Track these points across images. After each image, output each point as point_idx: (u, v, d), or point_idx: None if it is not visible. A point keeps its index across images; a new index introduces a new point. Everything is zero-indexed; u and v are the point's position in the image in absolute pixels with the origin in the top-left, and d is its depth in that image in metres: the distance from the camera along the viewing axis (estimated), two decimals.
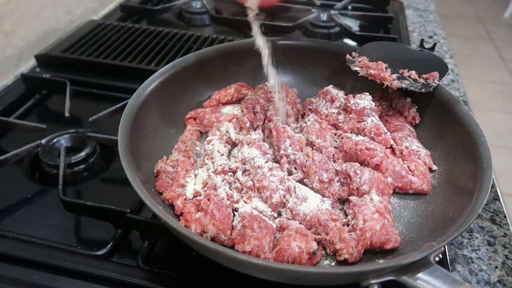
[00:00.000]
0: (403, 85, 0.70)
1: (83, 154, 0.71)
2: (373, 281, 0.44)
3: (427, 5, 1.40)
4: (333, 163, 0.65)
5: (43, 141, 0.73)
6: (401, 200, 0.64)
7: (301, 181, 0.63)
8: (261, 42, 0.71)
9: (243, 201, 0.59)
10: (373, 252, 0.55)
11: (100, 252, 0.56)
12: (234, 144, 0.69)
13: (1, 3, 0.89)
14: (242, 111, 0.73)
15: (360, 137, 0.68)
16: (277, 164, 0.63)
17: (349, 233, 0.54)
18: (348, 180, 0.62)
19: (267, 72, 0.71)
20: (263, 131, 0.72)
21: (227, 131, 0.69)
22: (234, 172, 0.63)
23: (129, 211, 0.58)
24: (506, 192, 2.11)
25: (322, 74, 0.84)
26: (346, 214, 0.60)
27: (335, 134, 0.72)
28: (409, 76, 0.72)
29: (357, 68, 0.75)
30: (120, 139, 0.56)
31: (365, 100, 0.73)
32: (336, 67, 0.82)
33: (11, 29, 0.93)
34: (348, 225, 0.57)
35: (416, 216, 0.60)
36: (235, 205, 0.58)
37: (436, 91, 0.70)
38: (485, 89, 2.90)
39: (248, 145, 0.66)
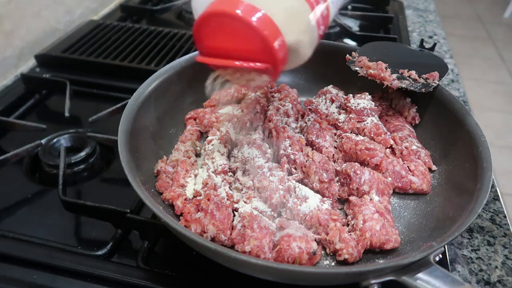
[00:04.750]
0: (403, 85, 0.70)
1: (83, 154, 0.71)
2: (373, 281, 0.44)
3: (427, 5, 1.40)
4: (333, 163, 0.65)
5: (43, 141, 0.73)
6: (401, 200, 0.64)
7: (301, 181, 0.63)
8: None
9: (243, 201, 0.59)
10: (373, 252, 0.55)
11: (100, 252, 0.56)
12: (234, 144, 0.69)
13: (1, 3, 0.89)
14: (242, 111, 0.73)
15: (360, 137, 0.68)
16: (277, 164, 0.63)
17: (349, 233, 0.54)
18: (348, 180, 0.62)
19: None
20: (263, 131, 0.72)
21: (227, 131, 0.69)
22: (234, 172, 0.63)
23: (129, 211, 0.58)
24: (506, 192, 2.11)
25: (322, 74, 0.84)
26: (346, 214, 0.60)
27: (335, 134, 0.72)
28: (409, 76, 0.72)
29: (357, 68, 0.75)
30: (120, 139, 0.56)
31: (365, 100, 0.73)
32: (336, 67, 0.82)
33: (11, 29, 0.92)
34: (348, 225, 0.57)
35: (416, 216, 0.60)
36: (235, 205, 0.58)
37: (436, 91, 0.70)
38: (485, 89, 2.90)
39: (248, 145, 0.66)
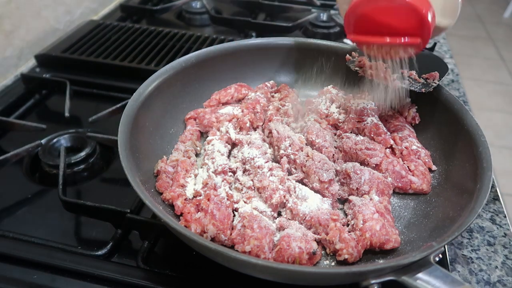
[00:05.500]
0: (403, 85, 0.70)
1: (83, 154, 0.71)
2: (373, 281, 0.44)
3: None
4: (333, 163, 0.65)
5: (43, 141, 0.73)
6: (401, 200, 0.64)
7: (301, 181, 0.63)
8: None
9: (243, 201, 0.59)
10: (373, 252, 0.55)
11: (100, 252, 0.56)
12: (234, 144, 0.69)
13: (1, 3, 0.89)
14: (242, 111, 0.73)
15: (360, 137, 0.68)
16: (277, 164, 0.63)
17: (349, 233, 0.54)
18: (348, 180, 0.62)
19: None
20: (263, 131, 0.72)
21: (227, 131, 0.69)
22: (234, 172, 0.63)
23: (129, 211, 0.58)
24: (506, 192, 2.11)
25: (322, 74, 0.84)
26: (346, 214, 0.60)
27: (335, 134, 0.72)
28: (409, 76, 0.71)
29: (357, 68, 0.75)
30: (120, 139, 0.56)
31: (365, 100, 0.73)
32: (336, 67, 0.82)
33: (11, 29, 0.93)
34: (348, 225, 0.57)
35: (416, 216, 0.60)
36: (235, 205, 0.58)
37: (436, 91, 0.70)
38: (485, 89, 2.90)
39: (248, 145, 0.66)
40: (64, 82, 0.87)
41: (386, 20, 0.53)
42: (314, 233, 0.55)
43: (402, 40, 0.54)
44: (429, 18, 0.51)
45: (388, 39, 0.54)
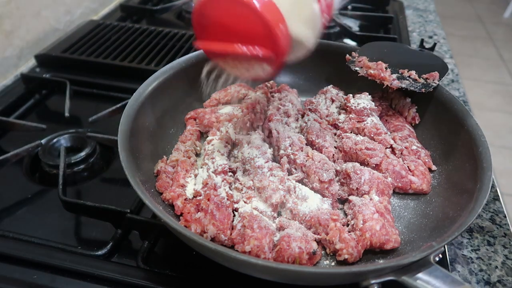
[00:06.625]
0: (403, 85, 0.70)
1: (83, 154, 0.71)
2: (373, 281, 0.44)
3: (427, 5, 1.40)
4: (333, 163, 0.65)
5: (43, 141, 0.73)
6: (401, 200, 0.64)
7: (301, 181, 0.63)
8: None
9: (243, 201, 0.59)
10: (373, 252, 0.55)
11: (100, 252, 0.56)
12: (234, 144, 0.69)
13: (1, 3, 0.89)
14: (242, 111, 0.73)
15: (360, 137, 0.68)
16: (277, 164, 0.63)
17: (349, 233, 0.54)
18: (348, 180, 0.62)
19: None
20: (263, 131, 0.72)
21: (227, 131, 0.69)
22: (234, 172, 0.63)
23: (129, 211, 0.58)
24: (506, 192, 2.11)
25: (322, 74, 0.84)
26: (346, 214, 0.60)
27: (335, 134, 0.72)
28: (409, 76, 0.72)
29: (357, 68, 0.75)
30: (120, 139, 0.56)
31: (365, 100, 0.73)
32: (336, 67, 0.82)
33: (11, 29, 0.93)
34: (348, 225, 0.57)
35: (416, 216, 0.60)
36: (235, 205, 0.58)
37: (436, 91, 0.70)
38: (485, 89, 2.90)
39: (248, 145, 0.66)
40: (64, 82, 0.87)
41: (234, 28, 0.45)
42: (314, 233, 0.55)
43: (252, 51, 0.45)
44: (279, 30, 0.43)
45: (237, 47, 0.45)
